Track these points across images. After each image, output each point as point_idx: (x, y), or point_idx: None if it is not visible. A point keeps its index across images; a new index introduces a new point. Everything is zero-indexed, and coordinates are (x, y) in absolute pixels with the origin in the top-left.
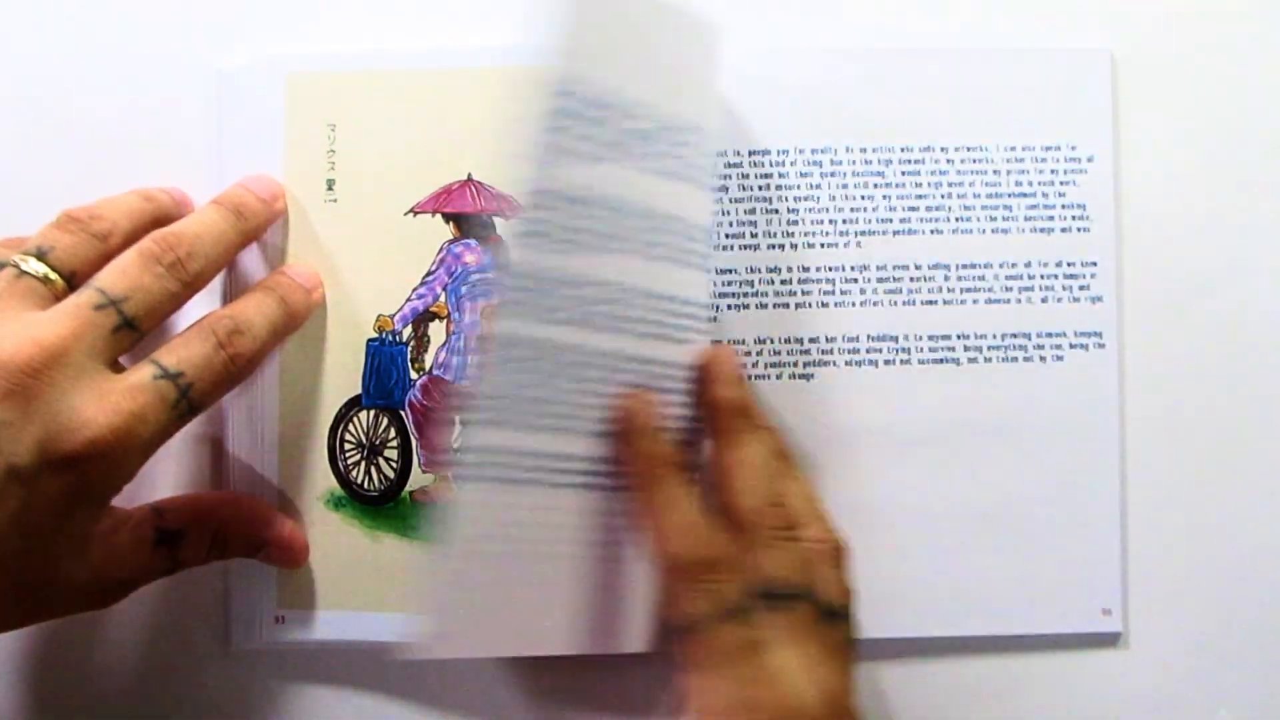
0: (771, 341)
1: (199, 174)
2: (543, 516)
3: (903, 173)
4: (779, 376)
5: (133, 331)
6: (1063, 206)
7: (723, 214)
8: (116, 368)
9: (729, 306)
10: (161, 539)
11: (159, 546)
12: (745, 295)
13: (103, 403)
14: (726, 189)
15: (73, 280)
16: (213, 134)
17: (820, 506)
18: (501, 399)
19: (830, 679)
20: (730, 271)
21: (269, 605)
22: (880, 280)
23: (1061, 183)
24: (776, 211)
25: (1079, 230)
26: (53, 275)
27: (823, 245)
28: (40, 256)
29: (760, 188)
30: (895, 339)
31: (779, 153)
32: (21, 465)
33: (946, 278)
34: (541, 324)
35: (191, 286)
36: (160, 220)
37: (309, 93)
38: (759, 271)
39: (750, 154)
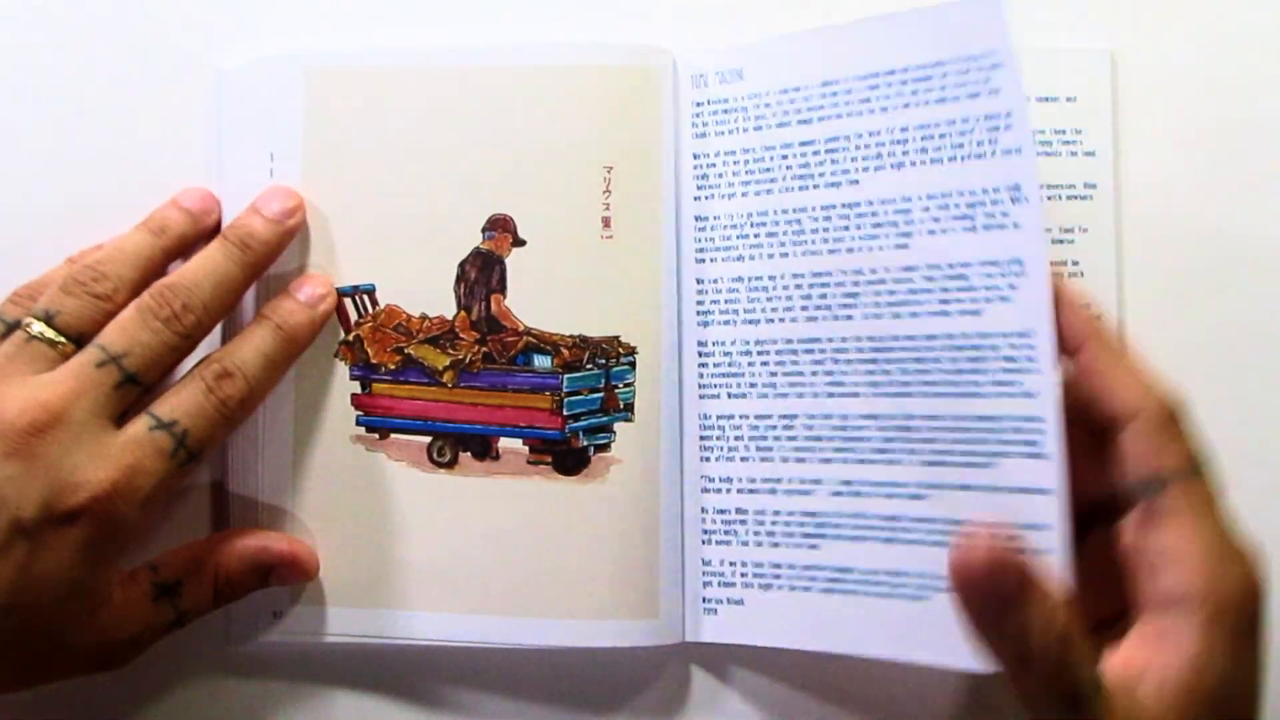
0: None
1: (198, 173)
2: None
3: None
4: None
5: (135, 386)
6: (1063, 207)
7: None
8: (121, 421)
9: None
10: (159, 593)
11: (159, 601)
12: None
13: (103, 458)
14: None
15: (80, 340)
16: (213, 134)
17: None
18: None
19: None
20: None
21: (266, 601)
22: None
23: (1063, 184)
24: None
25: (1079, 229)
26: (59, 339)
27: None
28: (48, 320)
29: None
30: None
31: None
32: (26, 520)
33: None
34: None
35: (191, 337)
36: (171, 253)
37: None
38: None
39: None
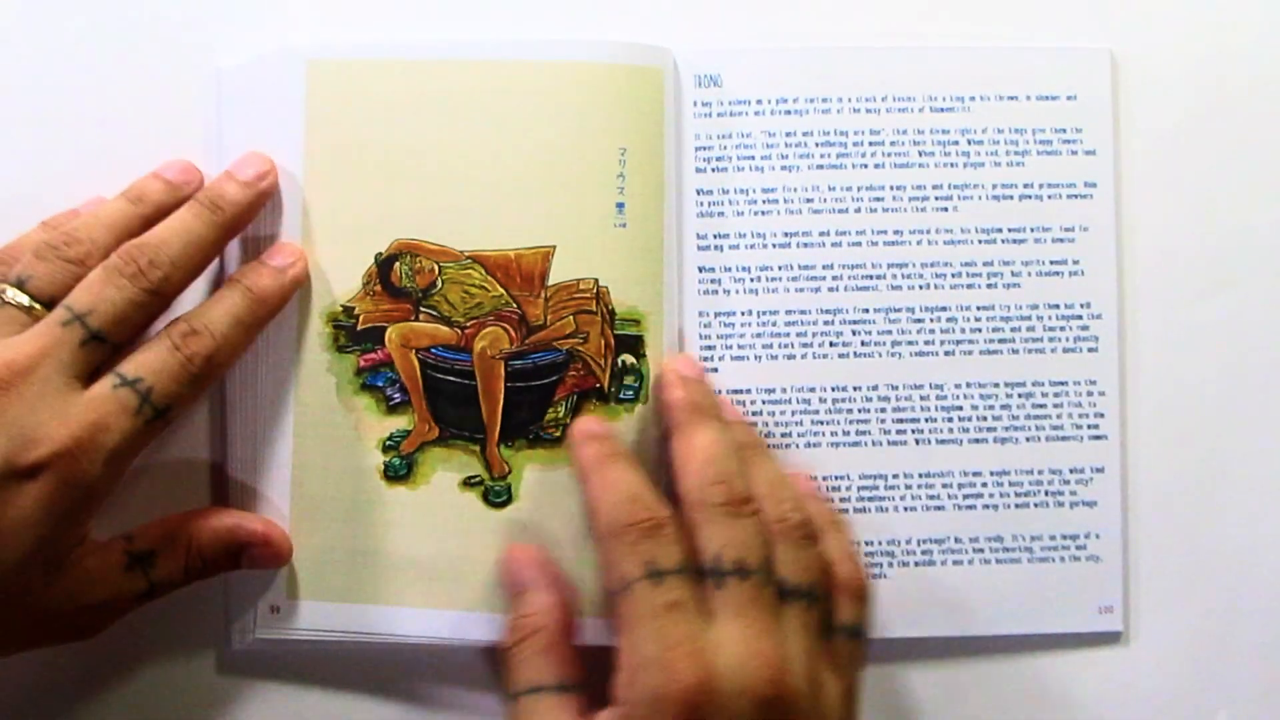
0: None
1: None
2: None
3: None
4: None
5: (102, 344)
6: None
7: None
8: (92, 380)
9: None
10: (132, 562)
11: (130, 570)
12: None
13: (66, 415)
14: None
15: (54, 304)
16: (213, 130)
17: (789, 489)
18: None
19: (773, 655)
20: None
21: (264, 596)
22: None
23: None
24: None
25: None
26: (33, 304)
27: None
28: (20, 285)
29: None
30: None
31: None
32: None
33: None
34: None
35: (159, 294)
36: (149, 221)
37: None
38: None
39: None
